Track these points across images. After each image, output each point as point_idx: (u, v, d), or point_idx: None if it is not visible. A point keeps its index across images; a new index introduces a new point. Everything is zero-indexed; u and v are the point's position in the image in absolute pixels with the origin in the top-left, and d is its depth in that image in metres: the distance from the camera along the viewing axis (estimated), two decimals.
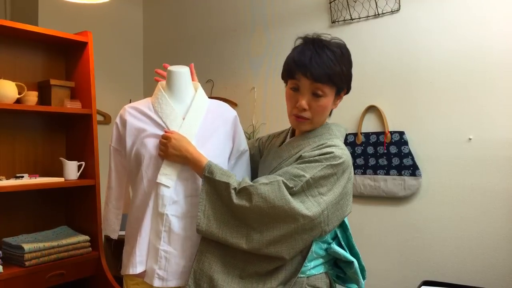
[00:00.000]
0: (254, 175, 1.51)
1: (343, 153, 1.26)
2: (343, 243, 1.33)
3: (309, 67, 1.27)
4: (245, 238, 1.21)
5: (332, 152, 1.24)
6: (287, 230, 1.19)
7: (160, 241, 1.30)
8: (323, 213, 1.20)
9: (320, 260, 1.31)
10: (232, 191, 1.21)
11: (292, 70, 1.31)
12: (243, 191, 1.21)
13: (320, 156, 1.24)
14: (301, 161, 1.26)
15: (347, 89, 1.38)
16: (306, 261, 1.26)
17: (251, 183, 1.21)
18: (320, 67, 1.26)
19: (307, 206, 1.19)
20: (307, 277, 1.27)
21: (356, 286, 1.36)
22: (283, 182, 1.19)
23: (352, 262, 1.31)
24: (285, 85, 1.38)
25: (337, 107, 1.38)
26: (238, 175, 1.45)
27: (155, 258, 1.30)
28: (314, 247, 1.27)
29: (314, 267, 1.29)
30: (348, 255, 1.31)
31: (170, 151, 1.30)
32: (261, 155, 1.52)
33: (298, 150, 1.33)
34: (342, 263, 1.35)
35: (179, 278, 1.30)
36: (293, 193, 1.20)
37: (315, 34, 1.35)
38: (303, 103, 1.30)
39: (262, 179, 1.22)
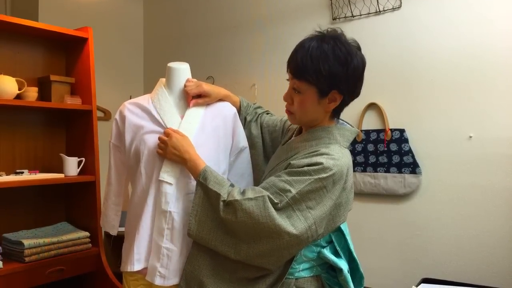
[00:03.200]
0: (274, 148, 1.47)
1: (335, 164, 1.17)
2: (338, 248, 1.28)
3: (292, 60, 1.24)
4: (234, 248, 1.19)
5: (321, 163, 1.16)
6: (273, 246, 1.15)
7: (163, 239, 1.29)
8: (310, 228, 1.15)
9: (310, 263, 1.26)
10: (221, 203, 1.18)
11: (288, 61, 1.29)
12: (229, 205, 1.17)
13: (309, 168, 1.16)
14: (289, 170, 1.19)
15: (341, 93, 1.23)
16: (294, 263, 1.23)
17: (237, 198, 1.17)
18: (298, 62, 1.21)
19: (293, 223, 1.14)
20: (296, 279, 1.24)
21: None
22: (269, 198, 1.15)
23: (341, 269, 1.25)
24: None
25: (330, 109, 1.27)
26: (238, 172, 1.46)
27: (158, 256, 1.29)
28: (304, 250, 1.24)
29: (303, 270, 1.25)
30: (338, 261, 1.25)
31: (170, 149, 1.28)
32: (283, 136, 1.48)
33: (293, 154, 1.28)
34: (336, 268, 1.30)
35: (179, 275, 1.30)
36: (278, 209, 1.15)
37: (330, 28, 1.26)
38: (285, 95, 1.29)
39: (249, 193, 1.18)
